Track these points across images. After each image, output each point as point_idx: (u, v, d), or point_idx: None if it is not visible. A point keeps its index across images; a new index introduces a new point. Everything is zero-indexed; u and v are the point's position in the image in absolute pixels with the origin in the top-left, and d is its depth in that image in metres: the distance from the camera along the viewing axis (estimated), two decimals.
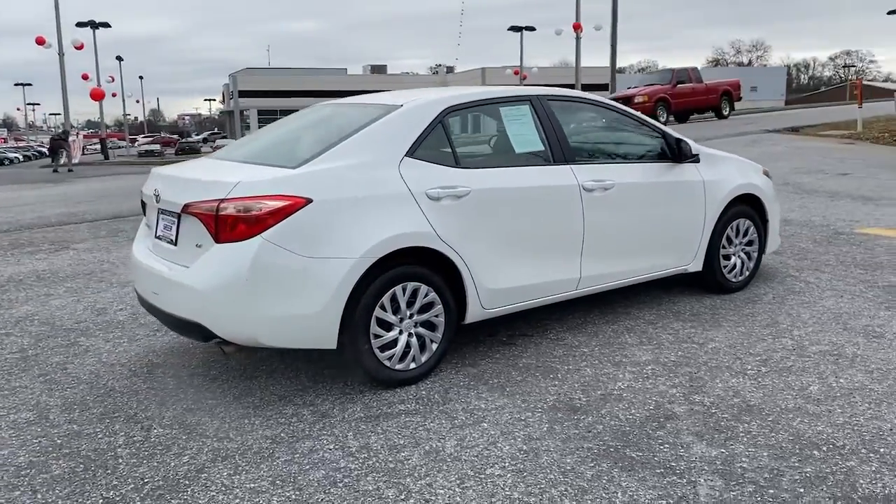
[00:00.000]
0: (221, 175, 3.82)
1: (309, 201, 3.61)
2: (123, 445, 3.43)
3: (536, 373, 4.11)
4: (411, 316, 3.93)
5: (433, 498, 2.89)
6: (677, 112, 25.58)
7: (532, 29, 55.42)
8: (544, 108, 4.58)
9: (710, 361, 4.19)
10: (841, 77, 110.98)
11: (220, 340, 3.70)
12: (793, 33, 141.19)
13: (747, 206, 5.50)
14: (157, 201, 4.02)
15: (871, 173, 11.70)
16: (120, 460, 3.29)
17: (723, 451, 3.18)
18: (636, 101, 23.40)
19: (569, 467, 3.09)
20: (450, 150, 4.16)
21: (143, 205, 4.48)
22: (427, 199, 3.93)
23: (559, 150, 4.52)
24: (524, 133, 4.49)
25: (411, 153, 3.99)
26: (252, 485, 3.04)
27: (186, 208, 3.73)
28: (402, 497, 2.90)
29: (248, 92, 72.31)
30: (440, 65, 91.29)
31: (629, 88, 27.09)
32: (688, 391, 3.80)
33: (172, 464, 3.24)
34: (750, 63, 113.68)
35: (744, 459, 3.10)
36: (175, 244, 3.90)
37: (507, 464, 3.14)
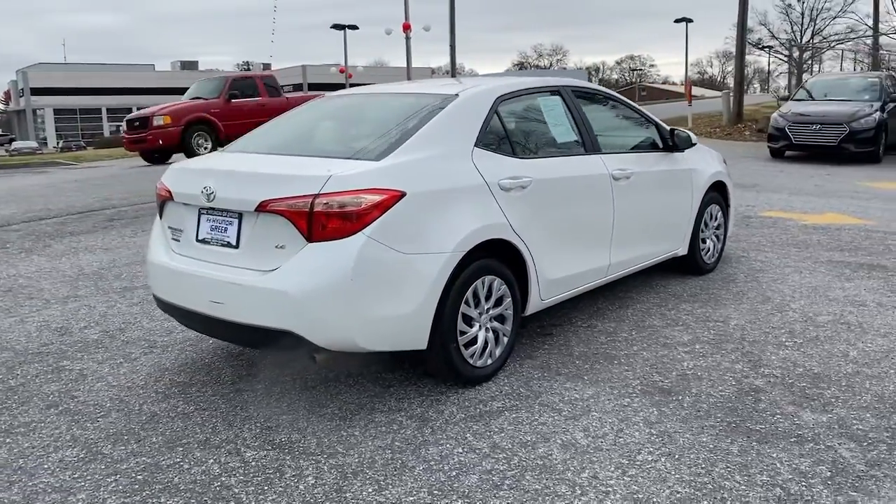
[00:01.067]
0: (300, 169, 3.52)
1: (403, 195, 3.40)
2: (225, 474, 3.05)
3: (598, 360, 4.15)
4: (488, 310, 3.84)
5: (609, 489, 2.85)
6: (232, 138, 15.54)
7: (355, 28, 55.28)
8: (571, 98, 4.63)
9: (746, 337, 4.44)
10: (627, 80, 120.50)
11: (314, 348, 3.40)
12: (584, 38, 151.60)
13: (716, 193, 5.87)
14: (210, 200, 3.60)
15: (731, 164, 12.89)
16: (236, 490, 2.93)
17: (830, 416, 3.40)
18: (155, 123, 15.79)
19: (711, 445, 3.16)
20: (507, 139, 4.09)
21: (161, 206, 3.99)
22: (500, 190, 3.85)
23: (589, 141, 4.60)
24: (561, 123, 4.51)
25: (479, 144, 3.89)
26: (412, 498, 2.83)
27: (264, 206, 3.38)
28: (578, 492, 2.84)
29: (42, 90, 66.08)
30: (247, 62, 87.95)
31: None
32: (751, 366, 4.01)
33: (300, 487, 2.94)
34: (550, 66, 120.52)
35: (855, 422, 3.33)
36: (236, 246, 3.52)
37: (652, 448, 3.15)
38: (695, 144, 5.37)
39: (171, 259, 3.81)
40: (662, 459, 3.06)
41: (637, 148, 5.15)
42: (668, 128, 5.34)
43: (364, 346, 3.40)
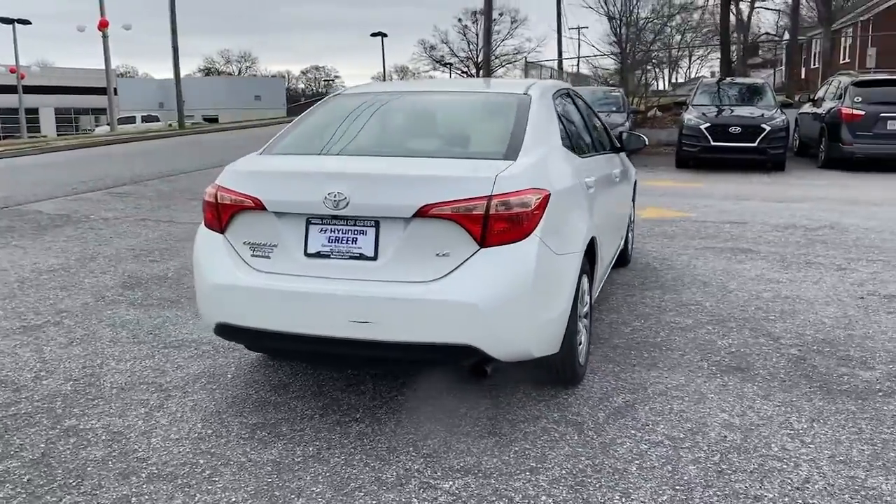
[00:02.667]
0: (455, 170, 3.25)
1: (550, 194, 3.33)
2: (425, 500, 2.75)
3: (646, 348, 4.39)
4: (583, 308, 3.88)
5: (812, 457, 3.09)
6: None
7: (27, 22, 48.95)
8: (574, 100, 4.81)
9: (735, 315, 4.99)
10: (314, 89, 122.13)
11: (483, 362, 3.17)
12: (271, 46, 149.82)
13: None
14: (339, 207, 3.15)
15: None
16: None
17: (875, 372, 4.01)
18: None
19: (831, 407, 3.56)
20: (569, 139, 4.15)
21: (228, 219, 3.38)
22: (587, 189, 3.91)
23: (594, 140, 4.82)
24: (580, 123, 4.67)
25: (563, 142, 3.92)
26: (672, 491, 2.82)
27: (425, 211, 3.07)
28: (791, 465, 3.04)
29: None
30: None
31: None
32: (771, 339, 4.54)
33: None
34: (240, 73, 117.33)
35: None
36: (373, 258, 3.15)
37: (792, 417, 3.46)
38: (647, 144, 5.84)
39: (261, 279, 3.25)
40: (813, 424, 3.38)
41: (606, 148, 5.48)
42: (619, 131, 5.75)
43: (534, 354, 3.26)
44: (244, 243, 3.35)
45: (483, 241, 3.06)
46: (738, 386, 3.83)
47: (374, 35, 64.94)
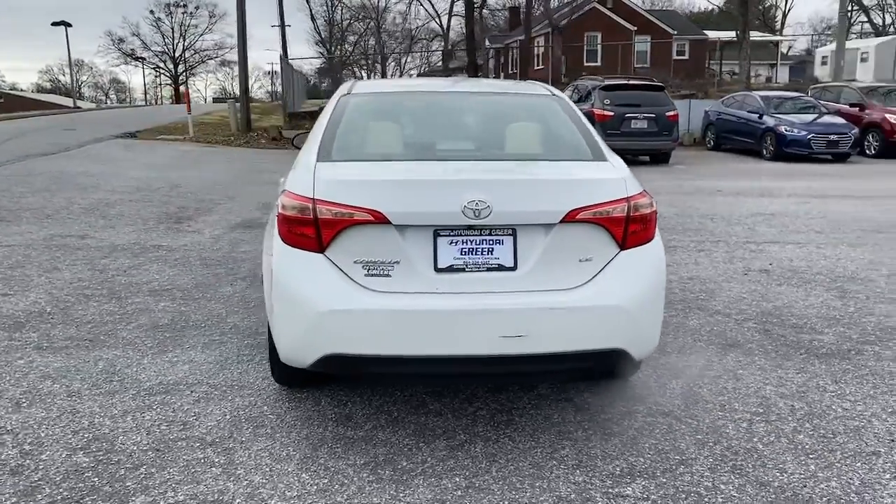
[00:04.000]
0: (585, 173, 3.18)
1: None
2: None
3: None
4: None
5: None
6: None
7: None
8: None
9: (677, 291, 5.50)
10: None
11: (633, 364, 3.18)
12: None
13: None
14: (479, 216, 2.93)
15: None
16: None
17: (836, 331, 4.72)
18: None
19: (849, 373, 4.14)
20: None
21: (333, 236, 2.98)
22: None
23: None
24: None
25: None
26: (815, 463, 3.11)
27: (572, 216, 2.99)
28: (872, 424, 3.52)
29: None
30: None
31: None
32: (734, 312, 5.09)
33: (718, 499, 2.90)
34: None
35: None
36: (513, 268, 3.00)
37: (846, 387, 3.96)
38: None
39: (384, 301, 2.92)
40: (840, 385, 3.91)
41: None
42: None
43: (653, 350, 3.34)
44: (355, 262, 2.96)
45: (623, 244, 3.06)
46: (750, 360, 4.24)
47: (55, 24, 58.11)
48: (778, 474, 2.98)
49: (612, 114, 15.10)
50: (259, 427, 3.37)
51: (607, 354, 3.03)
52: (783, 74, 55.12)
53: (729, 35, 45.70)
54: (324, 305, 2.92)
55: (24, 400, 3.63)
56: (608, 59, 41.75)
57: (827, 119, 16.68)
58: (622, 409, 3.56)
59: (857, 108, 17.81)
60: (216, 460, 3.07)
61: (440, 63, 54.75)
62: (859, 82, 21.80)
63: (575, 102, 15.88)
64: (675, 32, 44.44)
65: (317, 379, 3.62)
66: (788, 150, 16.09)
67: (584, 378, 3.36)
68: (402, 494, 2.84)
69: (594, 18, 42.70)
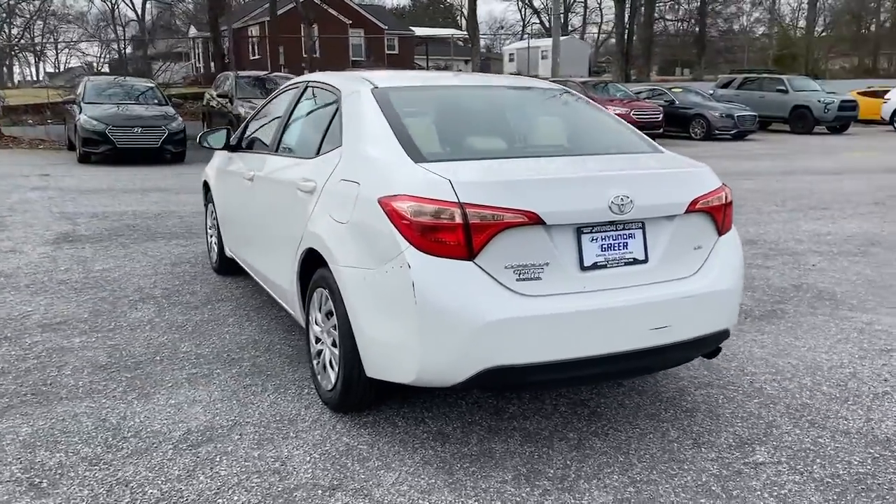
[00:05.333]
0: (676, 164, 3.30)
1: None
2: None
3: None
4: None
5: None
6: None
7: None
8: None
9: None
10: None
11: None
12: None
13: None
14: (622, 211, 2.92)
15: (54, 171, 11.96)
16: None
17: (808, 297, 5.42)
18: None
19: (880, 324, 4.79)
20: None
21: (486, 241, 2.79)
22: None
23: None
24: None
25: None
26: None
27: (693, 206, 3.13)
28: None
29: None
30: None
31: None
32: None
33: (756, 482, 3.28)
34: None
35: None
36: (645, 260, 3.07)
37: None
38: None
39: (541, 305, 2.82)
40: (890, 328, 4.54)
41: None
42: None
43: None
44: (506, 267, 2.79)
45: (720, 231, 3.26)
46: (794, 327, 4.69)
47: None
48: (843, 422, 3.40)
49: None
50: (364, 460, 3.03)
51: (720, 335, 3.21)
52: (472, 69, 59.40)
53: (434, 32, 48.50)
54: (484, 316, 2.72)
55: (42, 482, 2.85)
56: (326, 51, 41.87)
57: None
58: (675, 387, 3.77)
59: None
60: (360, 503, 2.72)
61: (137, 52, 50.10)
62: (577, 77, 24.50)
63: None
64: (387, 27, 45.94)
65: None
66: None
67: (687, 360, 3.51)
68: (585, 500, 2.76)
69: (308, 10, 42.49)
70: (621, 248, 2.97)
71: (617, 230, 2.96)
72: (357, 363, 3.11)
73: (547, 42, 57.20)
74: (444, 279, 2.73)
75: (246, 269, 4.93)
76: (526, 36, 70.45)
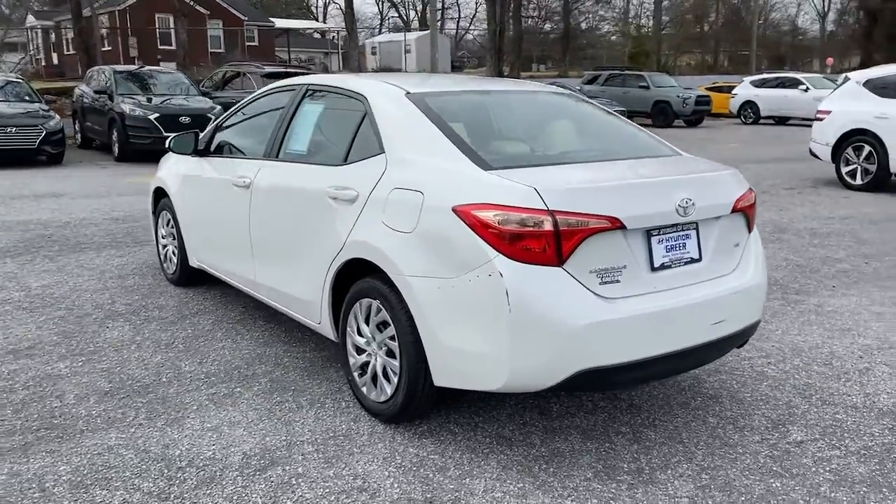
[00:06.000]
0: (709, 166, 3.48)
1: None
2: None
3: None
4: None
5: None
6: None
7: None
8: None
9: None
10: None
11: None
12: None
13: None
14: (687, 213, 3.07)
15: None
16: None
17: None
18: None
19: None
20: None
21: (574, 246, 2.86)
22: None
23: None
24: None
25: None
26: None
27: (736, 206, 3.34)
28: None
29: None
30: None
31: None
32: None
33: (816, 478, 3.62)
34: None
35: None
36: (699, 259, 3.25)
37: None
38: None
39: (624, 307, 2.92)
40: None
41: None
42: None
43: None
44: (591, 272, 2.88)
45: (749, 228, 3.50)
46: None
47: None
48: (846, 397, 3.75)
49: None
50: (443, 470, 3.02)
51: (755, 325, 3.44)
52: (335, 62, 58.70)
53: (295, 24, 47.53)
54: (576, 321, 2.79)
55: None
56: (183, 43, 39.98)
57: None
58: (689, 376, 3.99)
59: None
60: None
61: None
62: (455, 74, 24.73)
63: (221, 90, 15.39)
64: (247, 18, 44.55)
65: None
66: None
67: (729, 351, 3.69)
68: (671, 489, 2.90)
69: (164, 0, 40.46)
70: (681, 248, 3.12)
71: (678, 231, 3.11)
72: (423, 373, 3.09)
73: (411, 36, 57.54)
74: (536, 286, 2.77)
75: (225, 279, 4.71)
76: (385, 30, 70.55)
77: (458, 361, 2.95)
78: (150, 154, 13.02)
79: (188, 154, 4.91)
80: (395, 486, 2.89)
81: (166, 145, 5.00)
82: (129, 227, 7.55)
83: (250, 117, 4.68)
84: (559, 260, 2.80)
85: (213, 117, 13.41)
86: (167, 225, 5.48)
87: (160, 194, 5.55)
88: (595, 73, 27.65)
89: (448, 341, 2.95)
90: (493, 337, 2.83)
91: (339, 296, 3.57)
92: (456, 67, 59.61)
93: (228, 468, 3.00)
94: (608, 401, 3.67)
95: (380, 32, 68.96)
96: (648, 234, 3.01)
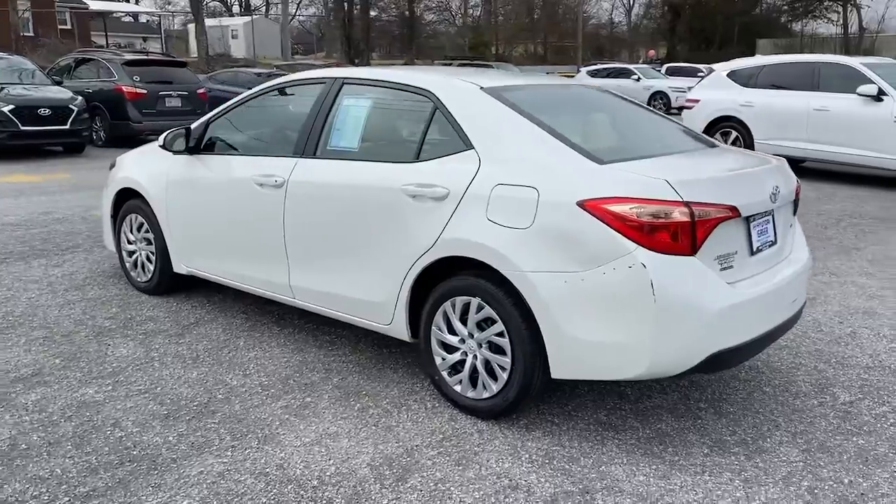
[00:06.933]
0: (769, 157, 3.75)
1: None
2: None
3: None
4: None
5: None
6: None
7: None
8: None
9: None
10: None
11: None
12: None
13: None
14: (775, 201, 3.30)
15: None
16: None
17: None
18: None
19: None
20: None
21: (705, 236, 3.01)
22: None
23: None
24: None
25: None
26: None
27: (796, 192, 3.64)
28: None
29: None
30: None
31: None
32: None
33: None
34: None
35: None
36: (776, 242, 3.51)
37: None
38: None
39: (742, 291, 3.12)
40: None
41: None
42: None
43: None
44: (714, 259, 3.05)
45: (795, 212, 3.82)
46: None
47: None
48: (857, 359, 4.21)
49: (145, 92, 13.93)
50: (574, 460, 3.08)
51: (805, 302, 3.77)
52: (156, 45, 55.35)
53: (111, 7, 44.20)
54: (712, 306, 2.95)
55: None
56: None
57: None
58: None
59: None
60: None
61: None
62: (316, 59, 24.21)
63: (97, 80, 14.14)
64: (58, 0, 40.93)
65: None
66: None
67: None
68: (782, 455, 3.15)
69: None
70: (766, 233, 3.36)
71: (765, 217, 3.34)
72: (538, 367, 3.13)
73: (237, 21, 55.37)
74: (676, 275, 2.89)
75: (232, 285, 4.43)
76: (205, 15, 67.14)
77: (589, 353, 3.01)
78: (6, 153, 11.76)
79: (180, 152, 4.55)
80: (543, 481, 2.91)
81: (160, 143, 4.59)
82: (40, 233, 6.82)
83: (260, 113, 4.41)
84: (693, 249, 2.93)
85: (75, 109, 12.30)
86: (138, 230, 5.04)
87: (125, 196, 5.09)
88: (446, 62, 28.12)
89: (577, 334, 3.00)
90: (636, 326, 2.91)
91: (417, 295, 3.50)
92: (293, 54, 58.19)
93: (365, 481, 2.88)
94: (668, 379, 3.86)
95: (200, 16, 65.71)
96: (748, 220, 3.21)
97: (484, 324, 3.29)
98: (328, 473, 2.93)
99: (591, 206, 2.95)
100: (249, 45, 48.97)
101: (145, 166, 4.91)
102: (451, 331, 3.40)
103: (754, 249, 3.25)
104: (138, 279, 5.13)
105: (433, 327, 3.46)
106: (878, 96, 10.04)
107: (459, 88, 3.55)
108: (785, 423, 3.43)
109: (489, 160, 3.28)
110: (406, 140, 3.65)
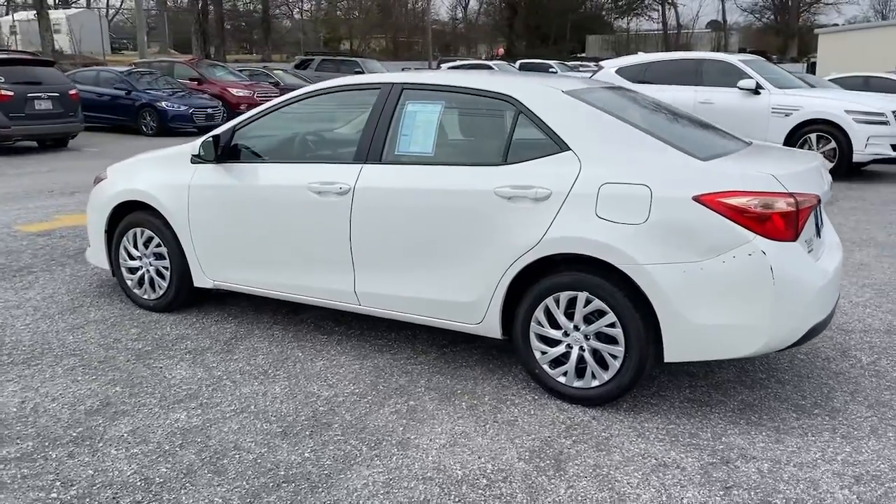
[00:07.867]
0: (802, 153, 4.15)
1: None
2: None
3: None
4: None
5: None
6: None
7: None
8: None
9: None
10: None
11: None
12: None
13: None
14: (827, 193, 3.73)
15: None
16: None
17: None
18: None
19: None
20: None
21: (803, 222, 3.37)
22: None
23: None
24: None
25: None
26: None
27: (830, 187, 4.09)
28: None
29: None
30: None
31: None
32: None
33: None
34: None
35: None
36: (819, 235, 3.91)
37: None
38: None
39: (824, 270, 3.54)
40: None
41: None
42: None
43: None
44: (803, 242, 3.42)
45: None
46: None
47: None
48: (854, 324, 4.79)
49: (12, 94, 12.79)
50: (695, 435, 3.34)
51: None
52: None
53: None
54: (815, 285, 3.31)
55: None
56: None
57: (196, 95, 17.63)
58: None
59: (197, 83, 19.17)
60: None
61: None
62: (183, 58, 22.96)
63: None
64: None
65: None
66: (173, 126, 16.52)
67: None
68: (859, 417, 3.58)
69: None
70: (818, 223, 3.78)
71: (820, 206, 3.75)
72: (651, 353, 3.37)
73: (60, 14, 51.33)
74: (787, 259, 3.22)
75: (273, 295, 4.32)
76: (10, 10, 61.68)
77: (708, 335, 3.27)
78: None
79: (208, 161, 4.37)
80: (684, 456, 3.15)
81: (198, 152, 4.37)
82: None
83: (300, 120, 4.32)
84: (796, 235, 3.27)
85: None
86: (145, 245, 4.76)
87: (126, 210, 4.80)
88: (307, 58, 27.64)
89: (697, 319, 3.25)
90: (756, 307, 3.21)
91: (511, 293, 3.63)
92: (115, 49, 54.82)
93: (529, 474, 2.99)
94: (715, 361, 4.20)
95: (8, 11, 60.22)
96: (817, 209, 3.61)
97: (591, 316, 3.47)
98: (489, 470, 3.01)
99: (707, 201, 3.20)
100: (73, 40, 45.53)
101: (155, 177, 4.65)
102: (553, 325, 3.55)
103: (819, 235, 3.65)
104: (145, 296, 4.84)
105: (532, 323, 3.59)
106: (756, 90, 11.11)
107: (540, 92, 3.69)
108: (837, 385, 3.86)
109: (590, 161, 3.45)
110: (489, 144, 3.75)
